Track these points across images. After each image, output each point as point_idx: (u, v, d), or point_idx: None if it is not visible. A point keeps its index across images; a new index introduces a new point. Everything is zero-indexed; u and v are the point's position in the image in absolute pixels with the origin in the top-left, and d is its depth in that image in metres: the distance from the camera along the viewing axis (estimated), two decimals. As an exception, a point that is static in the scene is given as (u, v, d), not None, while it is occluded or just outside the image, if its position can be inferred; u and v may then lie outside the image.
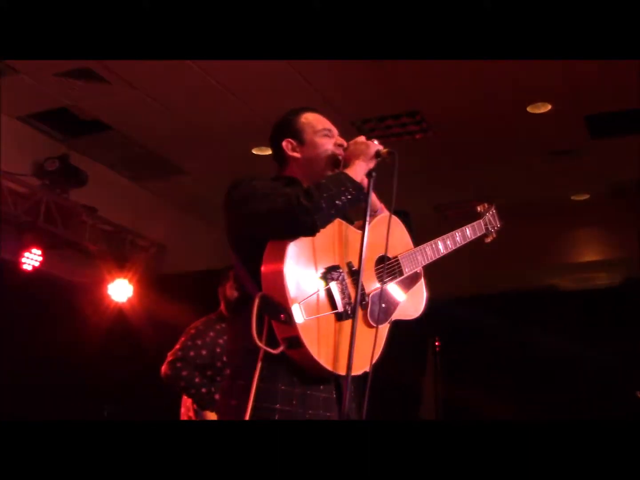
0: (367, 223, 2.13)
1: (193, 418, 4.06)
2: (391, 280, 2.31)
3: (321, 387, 2.16)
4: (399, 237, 2.45)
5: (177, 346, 3.96)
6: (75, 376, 6.28)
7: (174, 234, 7.97)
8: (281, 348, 2.00)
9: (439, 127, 6.44)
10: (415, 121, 6.29)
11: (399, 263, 2.36)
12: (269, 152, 6.60)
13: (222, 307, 4.10)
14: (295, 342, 2.02)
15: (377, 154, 2.29)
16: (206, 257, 8.01)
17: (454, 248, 2.63)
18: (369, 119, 6.27)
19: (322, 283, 2.10)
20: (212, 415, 3.83)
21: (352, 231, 2.28)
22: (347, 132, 6.09)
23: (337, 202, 2.12)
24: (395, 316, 2.33)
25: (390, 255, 2.28)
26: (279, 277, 2.03)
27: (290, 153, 2.35)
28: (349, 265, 2.21)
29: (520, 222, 7.81)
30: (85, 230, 6.38)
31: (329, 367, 2.04)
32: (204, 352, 3.92)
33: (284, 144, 2.36)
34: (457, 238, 2.63)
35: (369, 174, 2.27)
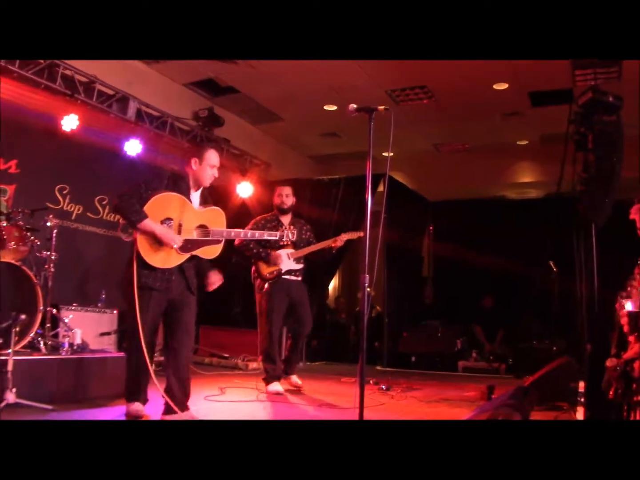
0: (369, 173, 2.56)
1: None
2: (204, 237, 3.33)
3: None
4: (216, 221, 3.40)
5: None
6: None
7: (275, 157, 9.21)
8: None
9: (439, 95, 7.80)
10: (424, 92, 7.78)
11: (209, 231, 3.27)
12: (334, 108, 8.87)
13: None
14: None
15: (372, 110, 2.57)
16: (293, 171, 9.70)
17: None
18: (395, 89, 7.71)
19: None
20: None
21: (191, 208, 3.34)
22: (381, 97, 8.21)
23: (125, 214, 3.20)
24: (195, 253, 3.43)
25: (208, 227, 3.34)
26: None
27: (192, 166, 3.31)
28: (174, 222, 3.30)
29: (486, 156, 9.73)
30: (222, 153, 6.85)
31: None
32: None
33: (192, 160, 3.31)
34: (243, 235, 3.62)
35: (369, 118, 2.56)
